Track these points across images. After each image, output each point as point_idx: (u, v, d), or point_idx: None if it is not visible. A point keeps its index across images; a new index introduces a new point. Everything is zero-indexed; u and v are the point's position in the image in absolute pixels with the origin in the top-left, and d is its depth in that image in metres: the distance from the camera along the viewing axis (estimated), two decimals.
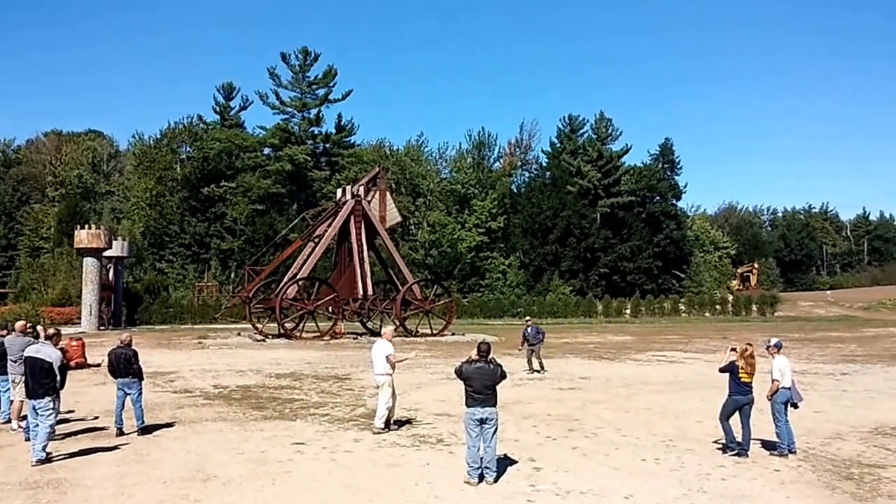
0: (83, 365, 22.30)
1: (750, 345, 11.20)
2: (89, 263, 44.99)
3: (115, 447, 11.59)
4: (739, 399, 10.96)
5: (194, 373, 22.03)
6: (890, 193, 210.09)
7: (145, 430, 12.61)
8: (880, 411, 15.09)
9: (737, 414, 11.04)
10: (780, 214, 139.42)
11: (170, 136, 76.07)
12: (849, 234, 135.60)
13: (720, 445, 11.41)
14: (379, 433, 12.57)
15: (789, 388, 11.17)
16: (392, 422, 13.05)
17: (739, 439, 11.00)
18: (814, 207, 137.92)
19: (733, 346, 11.40)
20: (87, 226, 46.20)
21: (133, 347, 12.82)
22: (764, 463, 10.62)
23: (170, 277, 65.38)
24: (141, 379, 12.79)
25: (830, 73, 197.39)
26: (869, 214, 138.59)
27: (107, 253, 46.89)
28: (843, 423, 13.66)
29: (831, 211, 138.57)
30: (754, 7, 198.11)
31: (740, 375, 10.92)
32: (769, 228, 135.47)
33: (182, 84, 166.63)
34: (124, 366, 12.49)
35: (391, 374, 12.79)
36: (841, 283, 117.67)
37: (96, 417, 14.14)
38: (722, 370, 11.28)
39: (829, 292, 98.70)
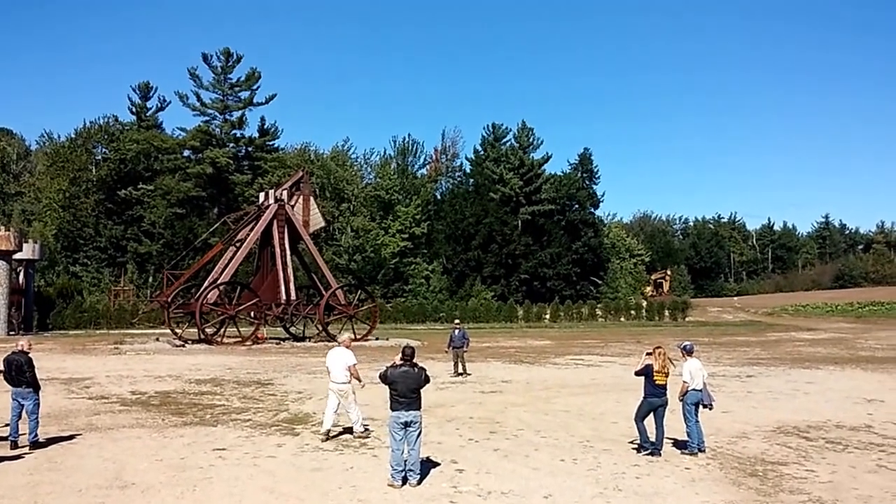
0: None
1: (660, 347, 11.65)
2: None
3: (24, 456, 11.19)
4: (654, 401, 11.33)
5: (111, 379, 21.35)
6: (793, 204, 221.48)
7: (37, 444, 11.75)
8: (782, 411, 15.89)
9: (651, 415, 11.45)
10: (691, 223, 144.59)
11: (84, 137, 73.18)
12: (754, 242, 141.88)
13: (635, 445, 11.83)
14: (361, 436, 12.58)
15: (700, 391, 11.60)
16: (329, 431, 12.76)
17: (653, 439, 11.42)
18: (722, 217, 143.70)
19: (648, 350, 11.71)
20: None
21: (28, 354, 11.95)
22: (675, 461, 11.06)
23: (84, 281, 62.99)
24: (37, 389, 12.00)
25: (736, 89, 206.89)
26: (773, 224, 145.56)
27: (17, 256, 44.84)
28: (749, 423, 14.33)
29: (739, 221, 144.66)
30: (665, 25, 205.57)
31: (655, 378, 11.25)
32: (681, 237, 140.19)
33: (94, 83, 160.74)
34: (16, 374, 11.71)
35: (350, 384, 12.42)
36: (747, 289, 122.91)
37: (6, 425, 13.55)
38: (638, 373, 11.60)
39: (736, 298, 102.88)
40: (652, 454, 11.27)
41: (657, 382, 11.27)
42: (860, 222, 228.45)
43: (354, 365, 12.45)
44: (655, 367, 11.26)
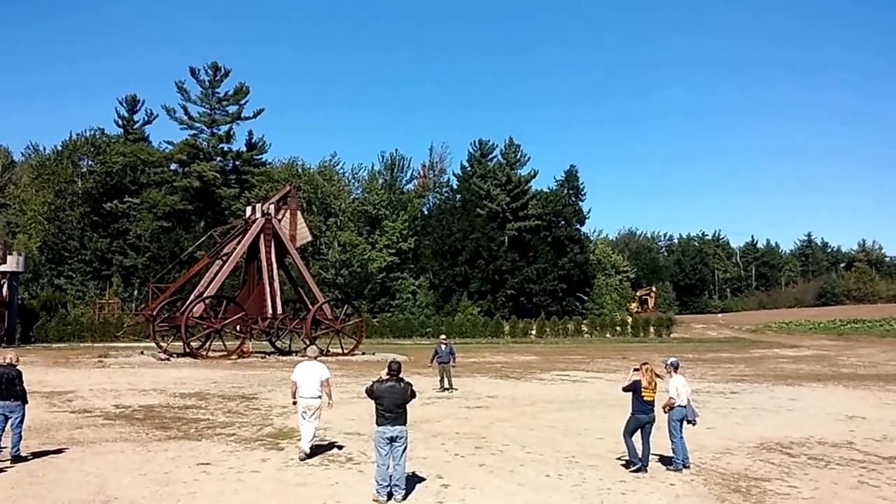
0: None
1: (647, 363, 11.67)
2: None
3: (5, 470, 11.10)
4: (642, 418, 11.32)
5: (94, 392, 21.20)
6: (776, 223, 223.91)
7: (18, 458, 11.63)
8: (765, 428, 16.01)
9: (638, 431, 11.46)
10: (675, 241, 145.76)
11: (70, 149, 72.86)
12: (738, 260, 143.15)
13: (622, 461, 11.86)
14: (307, 456, 12.09)
15: (685, 406, 11.66)
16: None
17: (630, 452, 11.41)
18: (707, 234, 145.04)
19: (636, 366, 11.70)
20: None
21: (18, 367, 11.93)
22: (661, 477, 11.11)
23: (69, 294, 62.55)
24: (25, 402, 11.93)
25: (721, 108, 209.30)
26: (757, 242, 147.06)
27: (0, 268, 44.55)
28: (732, 439, 14.43)
29: (723, 238, 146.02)
30: (652, 43, 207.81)
31: (643, 394, 11.25)
32: (666, 254, 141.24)
33: (81, 96, 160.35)
34: (6, 387, 11.60)
35: (320, 398, 12.08)
36: (731, 306, 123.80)
37: None
38: (625, 389, 11.59)
39: (720, 315, 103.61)
40: (639, 470, 11.31)
41: (645, 399, 11.29)
42: (842, 241, 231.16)
43: (329, 379, 12.24)
44: (643, 384, 11.27)
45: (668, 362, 12.08)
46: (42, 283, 63.11)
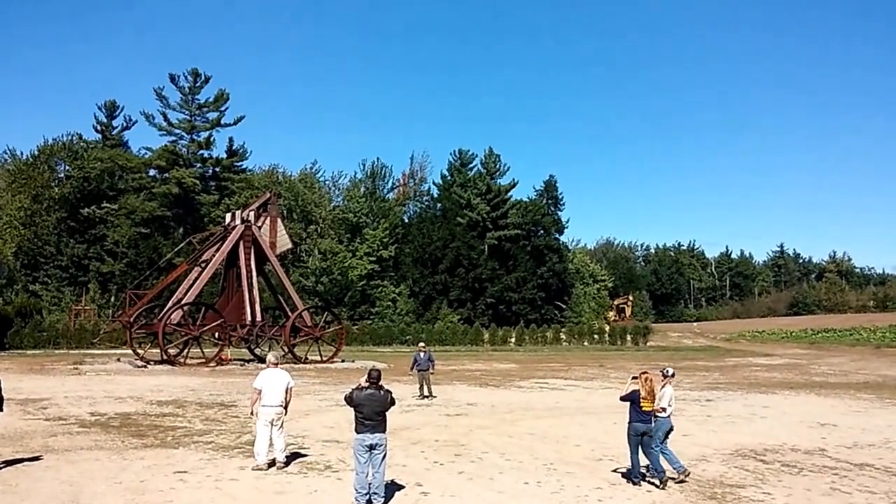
0: None
1: (646, 372, 11.45)
2: None
3: None
4: (639, 426, 11.13)
5: (69, 399, 20.91)
6: (749, 234, 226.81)
7: None
8: (740, 435, 16.19)
9: (639, 446, 11.22)
10: (652, 250, 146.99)
11: (47, 154, 72.10)
12: (713, 270, 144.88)
13: (622, 472, 11.79)
14: (282, 467, 11.92)
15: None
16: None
17: (643, 470, 11.26)
18: (682, 245, 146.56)
19: (634, 375, 11.52)
20: None
21: None
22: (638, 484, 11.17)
23: (44, 300, 61.70)
24: (0, 409, 11.79)
25: (696, 124, 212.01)
26: (731, 253, 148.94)
27: None
28: (708, 446, 14.59)
29: (698, 248, 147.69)
30: (629, 57, 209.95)
31: (641, 405, 11.09)
32: (642, 263, 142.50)
33: (58, 100, 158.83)
34: None
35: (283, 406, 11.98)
36: (706, 315, 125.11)
37: None
38: (623, 398, 11.40)
39: (695, 324, 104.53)
40: (659, 480, 11.06)
41: (643, 409, 11.13)
42: (813, 252, 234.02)
43: (293, 388, 12.19)
44: (642, 394, 11.11)
45: (671, 373, 12.10)
46: (17, 289, 62.24)
